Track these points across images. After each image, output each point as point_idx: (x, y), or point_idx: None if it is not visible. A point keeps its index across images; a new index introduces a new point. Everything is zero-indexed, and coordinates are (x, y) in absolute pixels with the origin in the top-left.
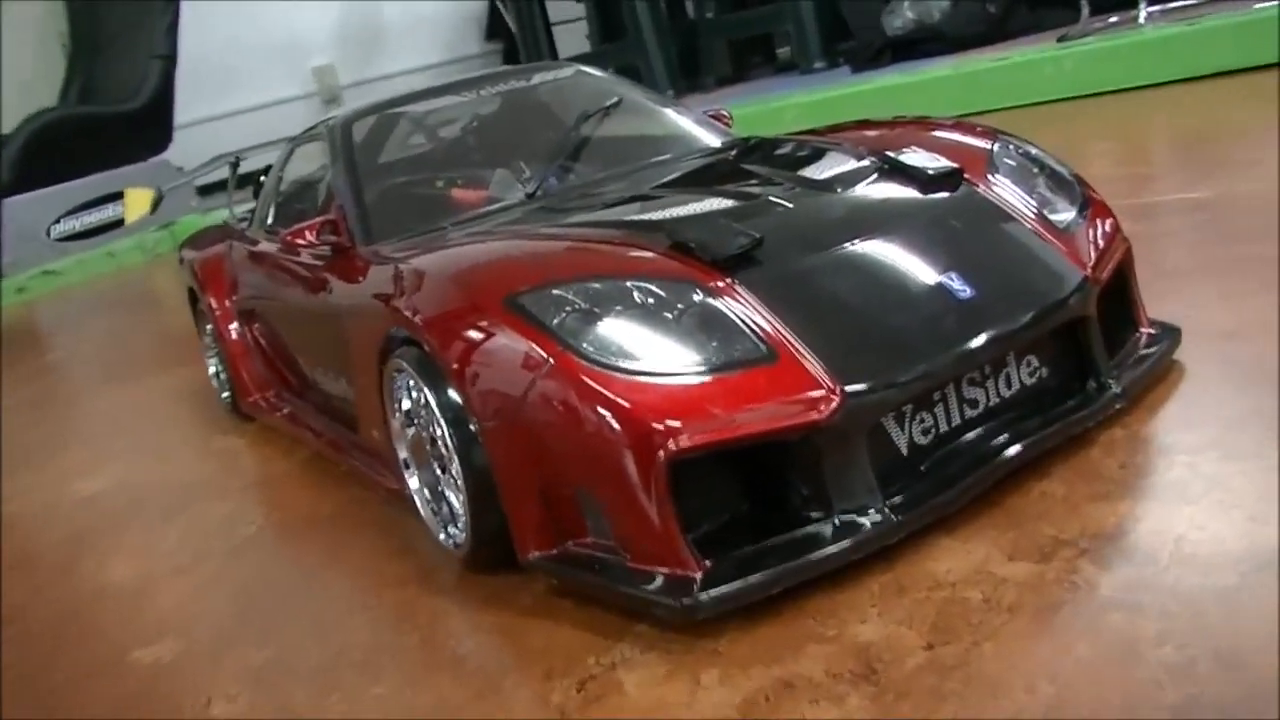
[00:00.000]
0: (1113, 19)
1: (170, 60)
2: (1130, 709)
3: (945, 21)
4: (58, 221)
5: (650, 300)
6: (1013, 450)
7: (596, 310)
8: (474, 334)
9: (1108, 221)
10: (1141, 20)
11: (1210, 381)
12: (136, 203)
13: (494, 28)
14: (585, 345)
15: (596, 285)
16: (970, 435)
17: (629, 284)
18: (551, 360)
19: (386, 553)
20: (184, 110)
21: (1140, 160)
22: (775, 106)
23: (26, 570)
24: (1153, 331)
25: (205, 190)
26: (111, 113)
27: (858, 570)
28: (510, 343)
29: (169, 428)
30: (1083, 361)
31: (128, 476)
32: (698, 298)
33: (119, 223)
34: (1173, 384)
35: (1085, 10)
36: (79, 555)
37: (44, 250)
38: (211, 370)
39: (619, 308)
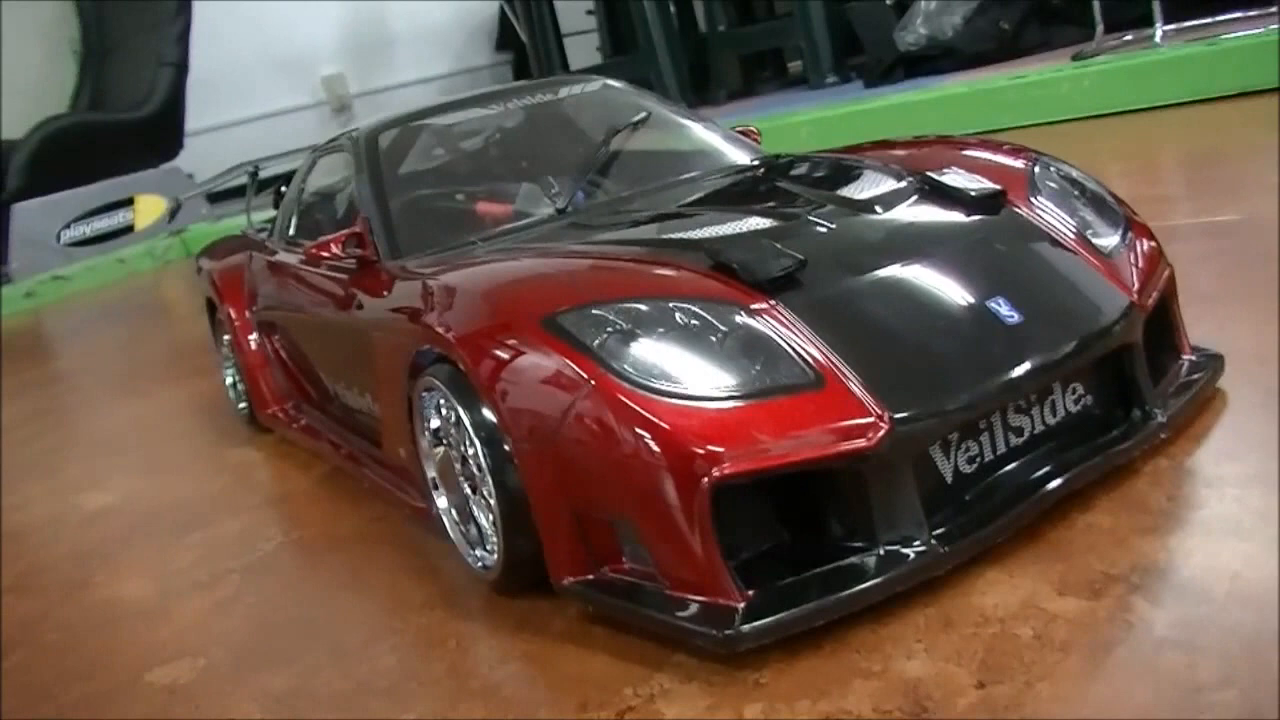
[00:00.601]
0: (1127, 37)
1: (181, 68)
2: None
3: (958, 38)
4: (68, 227)
5: (693, 322)
6: (1058, 481)
7: (638, 332)
8: (510, 353)
9: (1150, 245)
10: (1158, 39)
11: (1252, 409)
12: (147, 209)
13: (504, 38)
14: (626, 367)
15: (638, 306)
16: (1015, 464)
17: (671, 305)
18: (592, 381)
19: (410, 573)
20: (194, 118)
21: (1161, 181)
22: (788, 121)
23: (35, 586)
24: (1195, 359)
25: (215, 198)
26: (122, 119)
27: (901, 602)
28: (548, 363)
29: (180, 441)
30: (1127, 389)
31: (138, 490)
32: (741, 320)
33: (129, 229)
34: (1216, 412)
35: (1100, 28)
36: (89, 571)
37: (53, 255)
38: (228, 381)
39: (661, 329)
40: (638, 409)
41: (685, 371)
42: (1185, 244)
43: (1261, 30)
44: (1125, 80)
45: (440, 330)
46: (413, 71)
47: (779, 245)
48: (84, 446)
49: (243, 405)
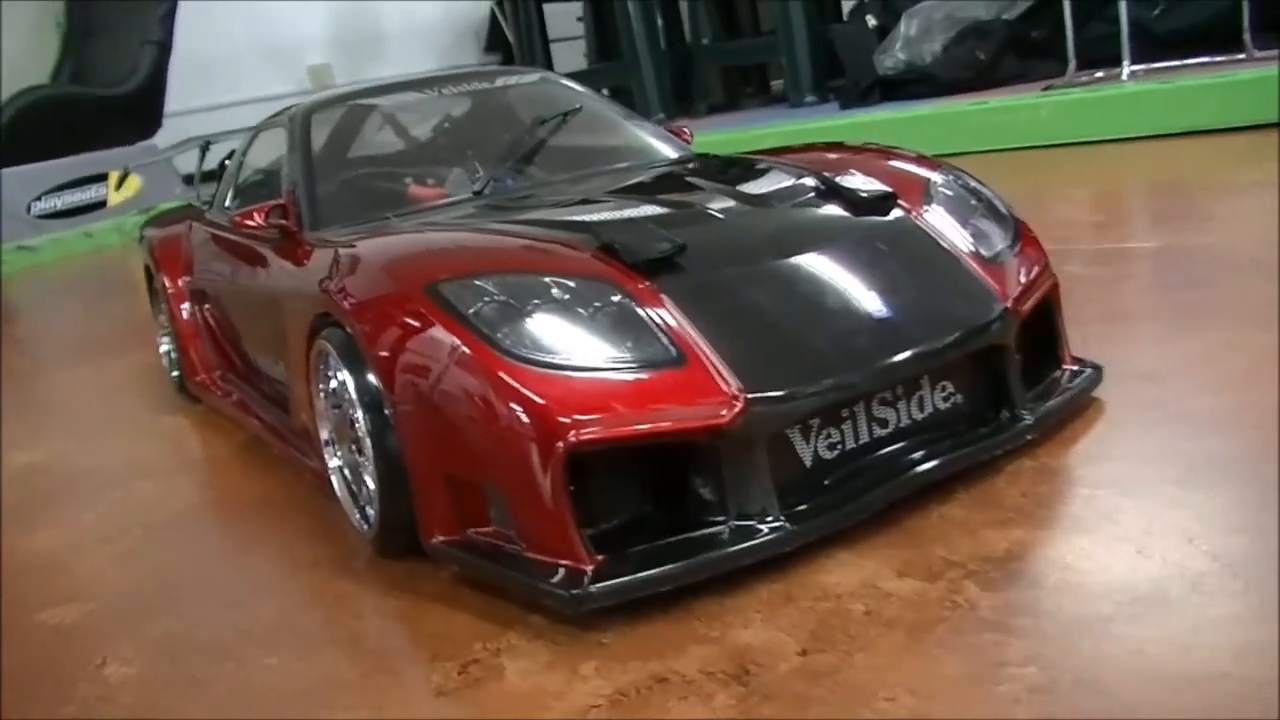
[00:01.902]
0: (1098, 74)
1: (164, 47)
2: None
3: (935, 65)
4: (39, 199)
5: (568, 296)
6: (916, 470)
7: (513, 302)
8: (394, 319)
9: (1037, 257)
10: (1125, 77)
11: (1126, 421)
12: (121, 187)
13: (493, 39)
14: (499, 335)
15: (517, 278)
16: (878, 454)
17: (549, 279)
18: (464, 348)
19: (305, 535)
20: (177, 99)
21: (1102, 209)
22: (759, 134)
23: None
24: (1075, 368)
25: (191, 179)
26: (102, 95)
27: (751, 577)
28: (427, 329)
29: (116, 407)
30: (998, 391)
31: (66, 451)
32: (615, 297)
33: (101, 204)
34: (1090, 420)
35: (1072, 64)
36: (4, 523)
37: (23, 226)
38: (163, 349)
39: (537, 301)
40: (503, 375)
41: (554, 342)
42: (1108, 266)
43: (1220, 74)
44: (1082, 112)
45: (335, 296)
46: (400, 66)
47: (663, 230)
48: (24, 408)
49: (175, 374)
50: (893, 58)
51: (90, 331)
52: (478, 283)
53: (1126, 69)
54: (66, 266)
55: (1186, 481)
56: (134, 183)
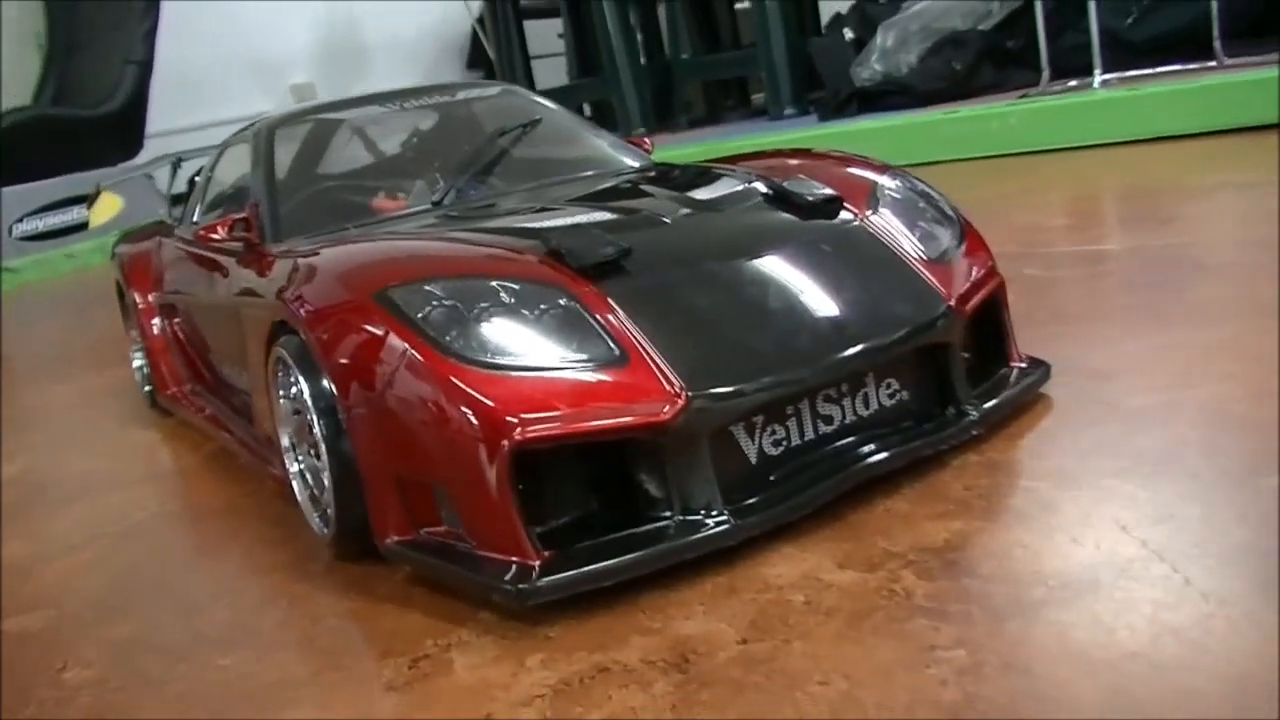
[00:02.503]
0: (1071, 83)
1: (146, 66)
2: (911, 705)
3: (912, 76)
4: (21, 220)
5: (513, 300)
6: (861, 464)
7: (460, 306)
8: (347, 326)
9: (982, 257)
10: (1096, 85)
11: (1072, 416)
12: (103, 207)
13: (475, 57)
14: (447, 339)
15: (464, 283)
16: (823, 450)
17: (496, 283)
18: (413, 351)
19: (266, 542)
20: (159, 119)
21: (1067, 213)
22: (738, 145)
23: None
24: (1023, 366)
25: (178, 199)
26: (84, 115)
27: (696, 571)
28: (376, 333)
29: (89, 421)
30: (943, 388)
31: (36, 465)
32: (562, 301)
33: (83, 226)
34: (1037, 416)
35: (1046, 73)
36: None
37: (4, 248)
38: (136, 364)
39: (484, 304)
40: (450, 377)
41: (500, 344)
42: (1063, 268)
43: (1188, 81)
44: (1052, 120)
45: (291, 304)
46: (383, 83)
47: (610, 236)
48: (6, 422)
49: (148, 389)
50: (869, 69)
51: (68, 350)
52: (427, 288)
53: (1098, 77)
54: (47, 287)
55: (1123, 474)
56: (115, 203)
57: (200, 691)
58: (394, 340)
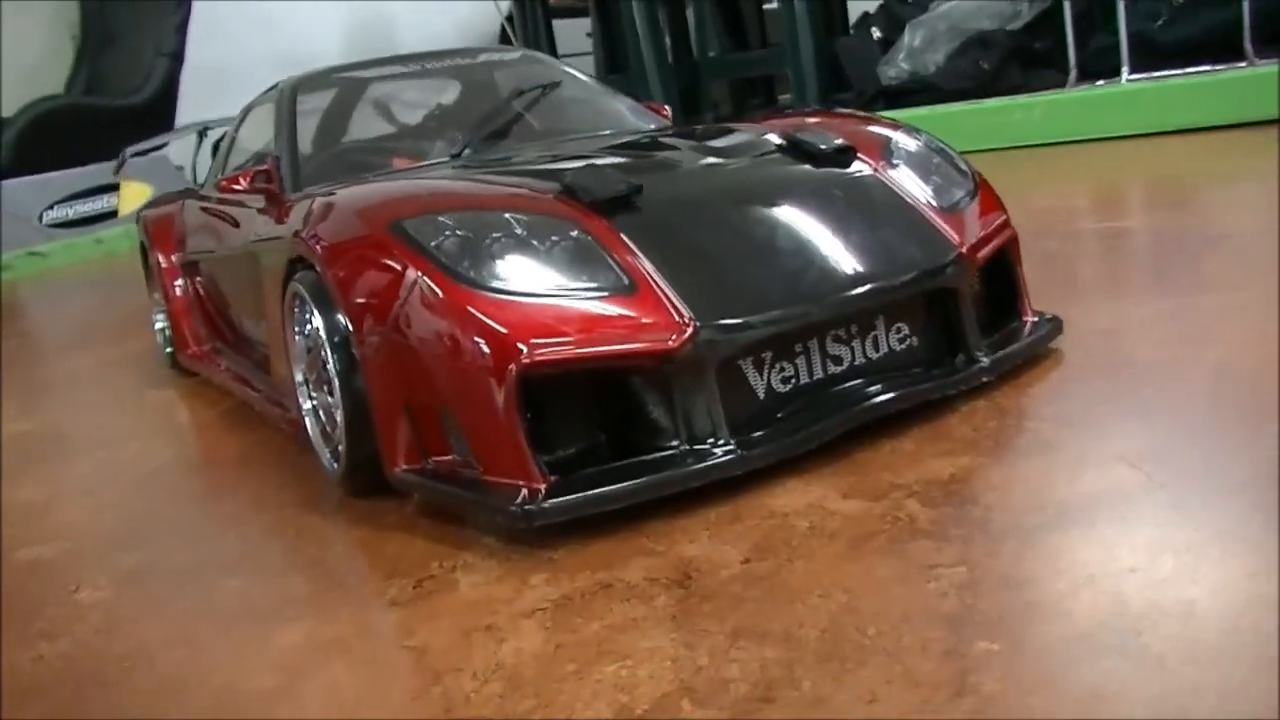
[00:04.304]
0: (1099, 83)
1: (177, 58)
2: (909, 616)
3: (939, 75)
4: (51, 208)
5: (525, 231)
6: (867, 403)
7: (473, 236)
8: (361, 258)
9: (995, 210)
10: (1123, 84)
11: (1080, 368)
12: (131, 196)
13: None
14: (458, 266)
15: (477, 215)
16: (831, 389)
17: (508, 215)
18: (425, 279)
19: (277, 484)
20: (189, 110)
21: (1085, 197)
22: None
23: None
24: (1035, 320)
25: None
26: (114, 105)
27: (701, 501)
28: (389, 262)
29: (109, 383)
30: (953, 336)
31: (56, 420)
32: (573, 233)
33: (112, 214)
34: (1047, 368)
35: (1073, 74)
36: None
37: (34, 234)
38: (158, 326)
39: (496, 235)
40: (461, 304)
41: (510, 271)
42: (1078, 243)
43: (1208, 74)
44: (1075, 112)
45: (307, 241)
46: None
47: (621, 174)
48: (20, 387)
49: (169, 350)
50: (896, 68)
51: (91, 324)
52: (440, 219)
53: (1125, 77)
54: (76, 271)
55: (1128, 418)
56: (144, 191)
57: (207, 609)
58: (407, 269)
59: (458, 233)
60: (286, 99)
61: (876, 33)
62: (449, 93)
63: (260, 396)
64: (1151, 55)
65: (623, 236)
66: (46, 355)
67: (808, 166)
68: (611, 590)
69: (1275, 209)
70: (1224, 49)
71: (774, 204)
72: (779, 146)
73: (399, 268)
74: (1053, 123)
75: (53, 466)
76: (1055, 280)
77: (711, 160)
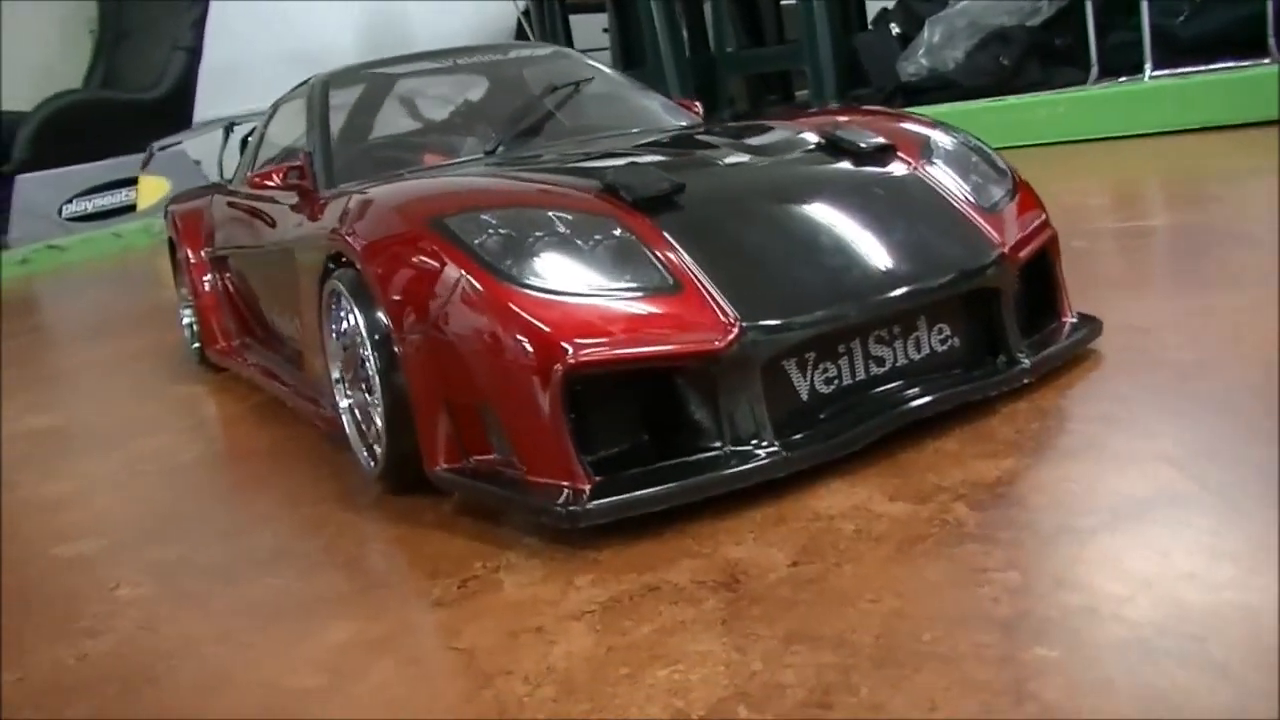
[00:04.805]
0: (1121, 79)
1: (194, 53)
2: (963, 620)
3: (958, 71)
4: (70, 201)
5: (568, 230)
6: (910, 405)
7: (515, 234)
8: (402, 255)
9: (1035, 209)
10: (1145, 81)
11: (1119, 367)
12: (149, 190)
13: None
14: (503, 265)
15: (520, 212)
16: (874, 391)
17: (551, 213)
18: (469, 277)
19: (311, 478)
20: (205, 105)
21: (1111, 194)
22: None
23: None
24: (1074, 321)
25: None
26: (131, 99)
27: (745, 503)
28: (433, 261)
29: (132, 377)
30: (994, 337)
31: (81, 414)
32: (616, 232)
33: (130, 208)
34: (1087, 368)
35: (1095, 70)
36: (19, 477)
37: (53, 228)
38: (185, 321)
39: (539, 233)
40: (505, 302)
41: (554, 270)
42: (1108, 241)
43: (1234, 70)
44: (1099, 109)
45: (346, 237)
46: None
47: (663, 173)
48: (43, 380)
49: (196, 345)
50: (915, 64)
51: (113, 318)
52: (483, 216)
53: (1148, 73)
54: (95, 265)
55: (1172, 417)
56: (162, 185)
57: (247, 606)
58: (450, 267)
59: (501, 231)
60: (318, 95)
61: (895, 29)
62: (481, 89)
63: (292, 392)
64: (1172, 51)
65: (666, 235)
66: (69, 349)
67: (848, 165)
68: (659, 592)
69: None
70: (1246, 45)
71: (816, 203)
72: (818, 144)
73: (442, 265)
74: (1077, 120)
75: (81, 461)
76: (1087, 278)
77: (752, 158)
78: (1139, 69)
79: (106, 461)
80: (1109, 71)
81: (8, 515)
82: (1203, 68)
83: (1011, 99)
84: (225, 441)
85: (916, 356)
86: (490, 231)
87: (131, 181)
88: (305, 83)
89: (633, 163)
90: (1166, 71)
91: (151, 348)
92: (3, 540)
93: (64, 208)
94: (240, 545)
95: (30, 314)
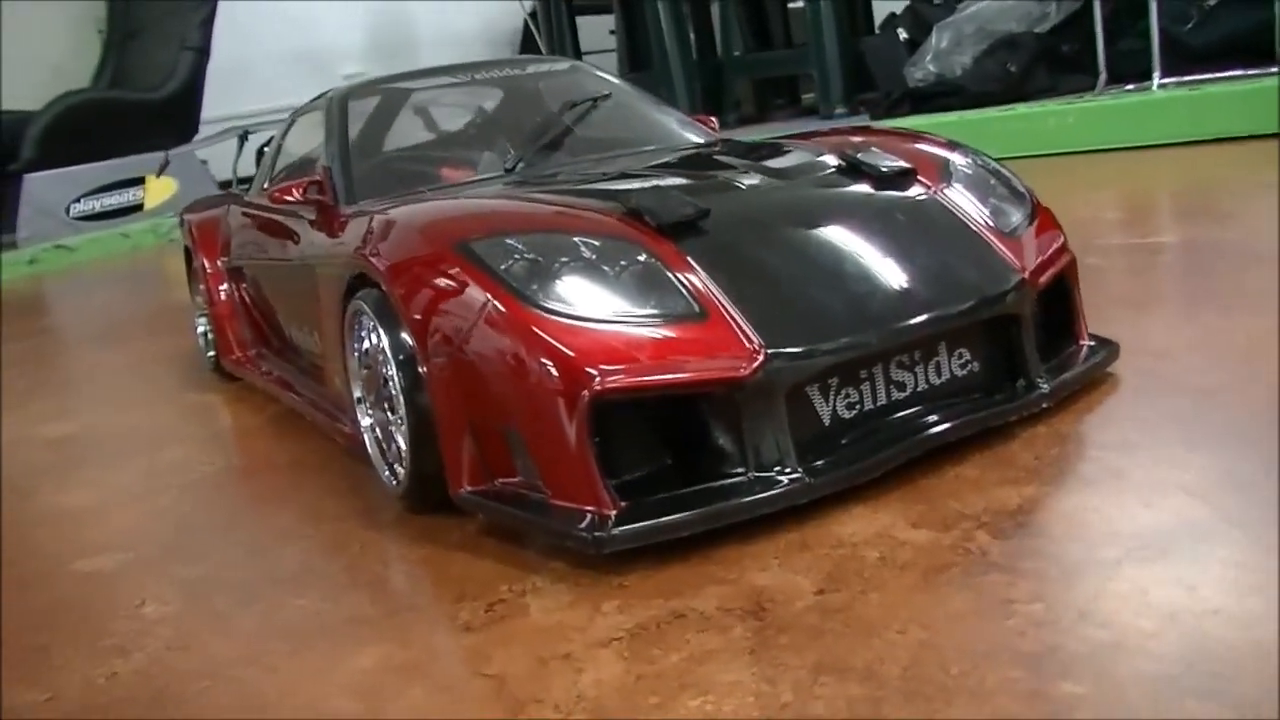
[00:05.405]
0: (1129, 87)
1: (202, 53)
2: (990, 653)
3: (966, 77)
4: (77, 201)
5: (594, 255)
6: (931, 430)
7: (542, 260)
8: (428, 278)
9: (1054, 234)
10: (1155, 88)
11: (1138, 391)
12: (157, 190)
13: (526, 50)
14: (528, 290)
15: (546, 237)
16: (895, 416)
17: (577, 239)
18: (495, 302)
19: (333, 493)
20: (213, 105)
21: (1124, 208)
22: None
23: None
24: (1091, 344)
25: (227, 184)
26: (139, 99)
27: (768, 528)
28: (459, 285)
29: (146, 384)
30: (1014, 362)
31: (97, 422)
32: (641, 257)
33: (138, 208)
34: (1105, 393)
35: (1103, 77)
36: (37, 485)
37: (60, 227)
38: (200, 330)
39: (565, 259)
40: (532, 327)
41: (580, 296)
42: (1122, 258)
43: (1245, 81)
44: (1110, 119)
45: (370, 258)
46: None
47: (688, 197)
48: (56, 386)
49: (211, 354)
50: (923, 70)
51: (123, 319)
52: (509, 241)
53: (1156, 80)
54: (103, 265)
55: (1192, 445)
56: (169, 186)
57: (275, 627)
58: (476, 291)
59: (527, 255)
60: (337, 109)
61: (902, 34)
62: (499, 104)
63: (310, 405)
64: (1180, 58)
65: (690, 261)
66: (82, 352)
67: (869, 188)
68: (686, 620)
69: None
70: (1255, 52)
71: (838, 227)
72: (838, 167)
73: (468, 290)
74: (1086, 130)
75: (99, 472)
76: (1102, 298)
77: (773, 181)
78: (1147, 76)
79: (125, 472)
80: (1117, 78)
81: (27, 526)
82: (1211, 75)
83: (1021, 107)
84: (243, 454)
85: (937, 381)
86: (516, 256)
87: (139, 181)
88: (324, 95)
89: (656, 186)
90: (1175, 79)
91: (165, 353)
92: (24, 553)
93: (71, 207)
94: (265, 563)
95: (41, 315)
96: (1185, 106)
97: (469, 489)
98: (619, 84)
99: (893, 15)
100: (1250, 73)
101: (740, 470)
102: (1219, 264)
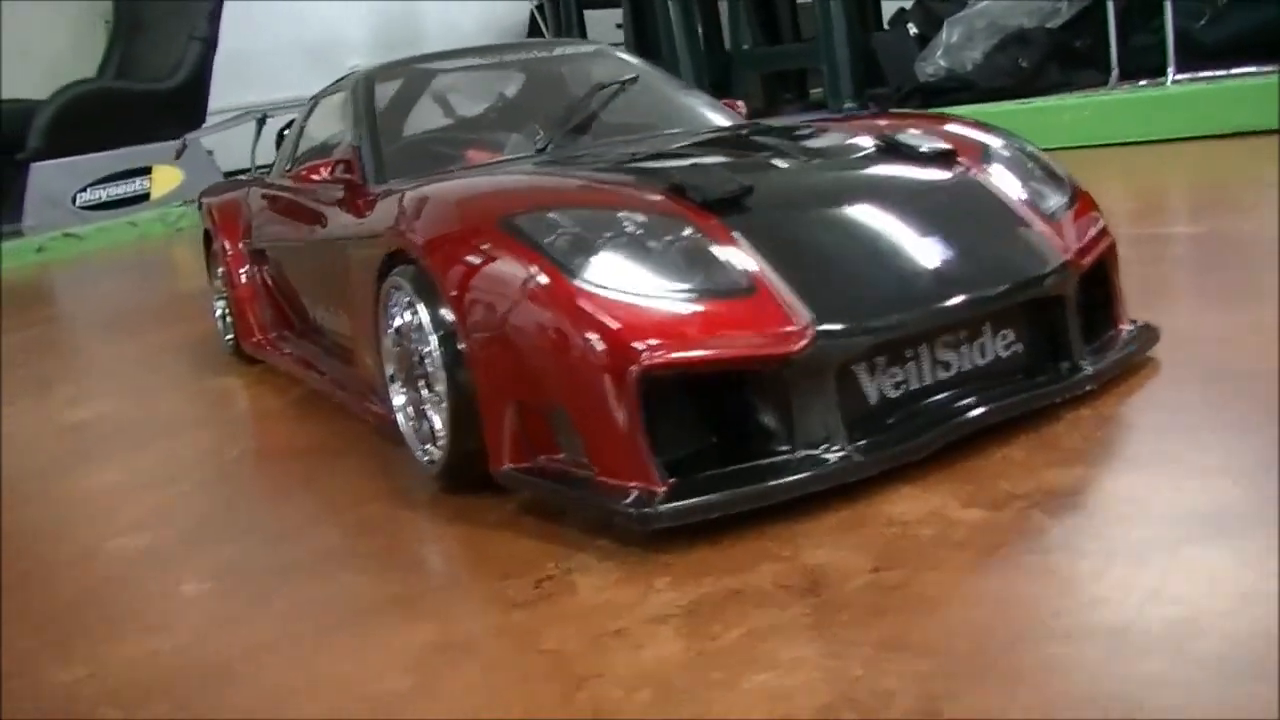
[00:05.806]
0: (1142, 83)
1: (209, 43)
2: (1060, 631)
3: (977, 72)
4: (84, 190)
5: (640, 230)
6: (977, 411)
7: (587, 235)
8: (468, 251)
9: (1094, 217)
10: (1169, 85)
11: (1179, 377)
12: (163, 179)
13: None
14: (572, 264)
15: (590, 212)
16: (940, 395)
17: (621, 214)
18: (540, 276)
19: (363, 475)
20: (219, 96)
21: (1144, 200)
22: None
23: (8, 479)
24: (1132, 328)
25: (232, 175)
26: (146, 89)
27: (819, 506)
28: (502, 260)
29: (164, 370)
30: (1058, 344)
31: (117, 408)
32: (687, 232)
33: (144, 197)
34: (1146, 376)
35: (1115, 73)
36: (64, 468)
37: (67, 216)
38: (218, 313)
39: (610, 234)
40: (578, 302)
41: (626, 272)
42: (1153, 248)
43: (1263, 75)
44: (1126, 113)
45: (408, 233)
46: None
47: (731, 174)
48: (71, 373)
49: (229, 337)
50: (933, 65)
51: (135, 307)
52: (551, 216)
53: (1171, 77)
54: (111, 253)
55: (1237, 427)
56: (175, 175)
57: (318, 605)
58: (519, 265)
59: (570, 230)
60: (363, 89)
61: (913, 29)
62: (526, 86)
63: (337, 386)
64: (1193, 55)
65: (736, 236)
66: (102, 339)
67: (910, 168)
68: (742, 596)
69: None
70: (1268, 49)
71: (881, 206)
72: (877, 148)
73: (512, 265)
74: (1102, 124)
75: (122, 456)
76: (1131, 287)
77: (812, 161)
78: (1159, 72)
79: (153, 456)
80: (1129, 74)
81: (60, 507)
82: (1224, 72)
83: (1036, 101)
84: (270, 436)
85: (981, 362)
86: (560, 231)
87: (145, 171)
88: (345, 77)
89: (698, 163)
90: (1188, 75)
91: (182, 339)
92: (57, 536)
93: (78, 196)
94: (302, 543)
95: (53, 302)
96: (1203, 101)
97: (511, 465)
98: (646, 67)
99: (902, 10)
100: (1265, 69)
101: (786, 448)
102: (1245, 254)
